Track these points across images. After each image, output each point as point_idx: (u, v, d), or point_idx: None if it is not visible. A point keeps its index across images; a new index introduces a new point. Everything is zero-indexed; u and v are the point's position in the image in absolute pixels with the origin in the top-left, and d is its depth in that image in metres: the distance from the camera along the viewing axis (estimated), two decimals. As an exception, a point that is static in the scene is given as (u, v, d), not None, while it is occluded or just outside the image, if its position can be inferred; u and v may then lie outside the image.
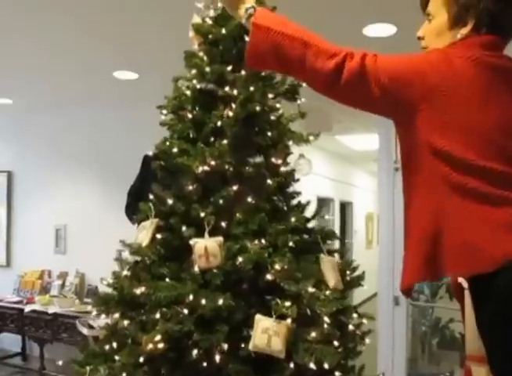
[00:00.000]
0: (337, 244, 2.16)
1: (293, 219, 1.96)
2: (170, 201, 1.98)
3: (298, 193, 2.17)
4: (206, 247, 1.81)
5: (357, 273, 2.11)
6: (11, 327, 5.17)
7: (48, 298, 5.19)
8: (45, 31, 3.38)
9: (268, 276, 1.82)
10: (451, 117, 1.16)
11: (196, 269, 1.81)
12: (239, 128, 1.88)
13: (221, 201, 1.92)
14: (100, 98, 5.17)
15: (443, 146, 1.15)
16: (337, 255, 2.03)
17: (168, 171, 2.04)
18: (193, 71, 1.97)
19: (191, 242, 1.83)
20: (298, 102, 2.16)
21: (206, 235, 1.84)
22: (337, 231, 9.27)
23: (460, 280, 1.36)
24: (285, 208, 2.09)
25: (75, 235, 5.67)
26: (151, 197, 2.07)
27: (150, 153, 2.13)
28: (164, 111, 2.02)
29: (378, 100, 1.21)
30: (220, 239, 1.83)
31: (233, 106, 1.89)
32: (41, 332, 4.93)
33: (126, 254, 2.05)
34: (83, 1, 2.87)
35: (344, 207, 10.24)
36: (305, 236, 2.04)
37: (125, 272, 1.93)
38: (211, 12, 1.93)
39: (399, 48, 3.56)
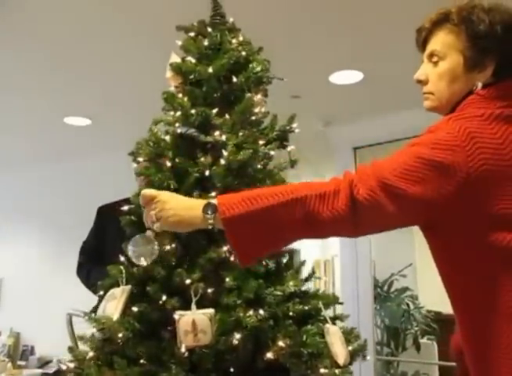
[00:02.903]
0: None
1: (291, 283, 1.70)
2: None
3: (293, 251, 1.91)
4: (194, 322, 1.51)
5: (359, 342, 1.86)
6: None
7: (-26, 362, 4.57)
8: None
9: (269, 355, 1.53)
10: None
11: (183, 349, 1.49)
12: (231, 178, 1.62)
13: (208, 264, 1.63)
14: (46, 150, 4.81)
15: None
16: (339, 323, 1.78)
17: (141, 228, 1.73)
18: (177, 113, 1.71)
19: (175, 316, 1.52)
20: (288, 149, 1.95)
21: (193, 306, 1.54)
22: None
23: None
24: (276, 269, 1.82)
25: (11, 290, 5.12)
26: (122, 258, 1.74)
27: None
28: (141, 159, 1.72)
29: (404, 219, 1.02)
30: (211, 311, 1.52)
31: (224, 153, 1.63)
32: (-38, 406, 4.29)
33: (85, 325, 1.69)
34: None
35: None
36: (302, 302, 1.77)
37: (91, 354, 1.57)
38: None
39: (366, 94, 3.54)
